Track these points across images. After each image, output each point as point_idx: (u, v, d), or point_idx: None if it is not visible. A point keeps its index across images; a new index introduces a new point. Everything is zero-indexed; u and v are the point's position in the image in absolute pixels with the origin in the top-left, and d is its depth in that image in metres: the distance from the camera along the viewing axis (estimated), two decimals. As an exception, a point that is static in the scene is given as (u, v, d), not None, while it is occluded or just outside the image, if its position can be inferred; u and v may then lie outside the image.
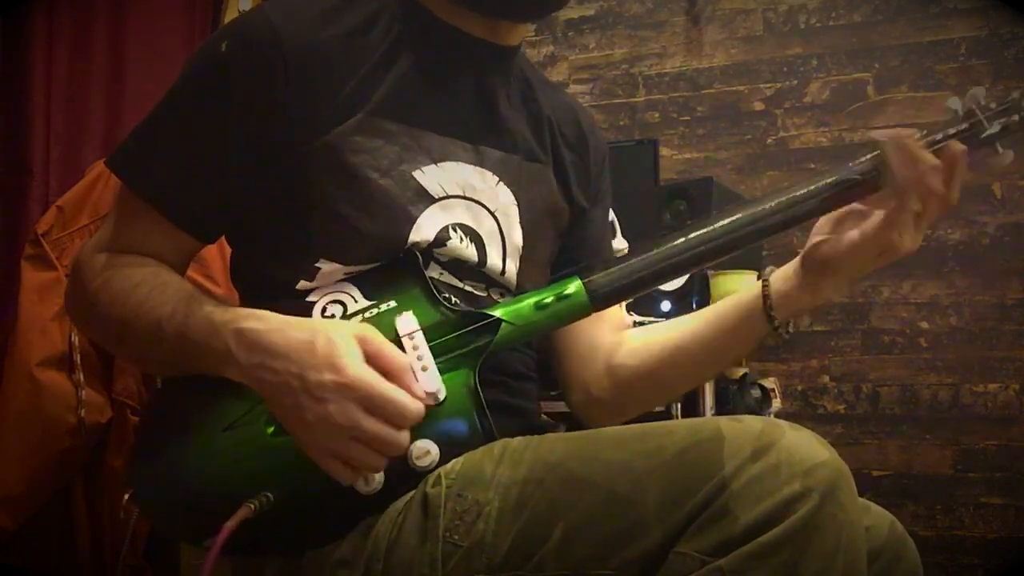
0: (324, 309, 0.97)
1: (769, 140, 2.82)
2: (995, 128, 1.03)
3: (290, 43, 0.96)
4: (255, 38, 0.97)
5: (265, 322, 0.90)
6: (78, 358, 1.89)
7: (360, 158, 0.98)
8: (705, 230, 1.03)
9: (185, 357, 0.94)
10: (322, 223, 0.98)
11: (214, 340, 0.91)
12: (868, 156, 1.02)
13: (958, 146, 1.00)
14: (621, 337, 1.20)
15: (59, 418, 1.85)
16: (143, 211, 1.01)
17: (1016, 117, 1.04)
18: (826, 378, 2.74)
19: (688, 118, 2.90)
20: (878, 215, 1.00)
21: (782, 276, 1.08)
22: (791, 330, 1.09)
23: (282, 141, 0.97)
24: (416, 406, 0.86)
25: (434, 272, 1.02)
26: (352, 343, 0.86)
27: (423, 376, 0.90)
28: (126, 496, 0.94)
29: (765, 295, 1.07)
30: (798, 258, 1.07)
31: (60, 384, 1.87)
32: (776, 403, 2.44)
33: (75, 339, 1.88)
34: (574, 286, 1.01)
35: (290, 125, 0.97)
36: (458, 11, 1.06)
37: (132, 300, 0.97)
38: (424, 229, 1.00)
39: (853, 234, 1.01)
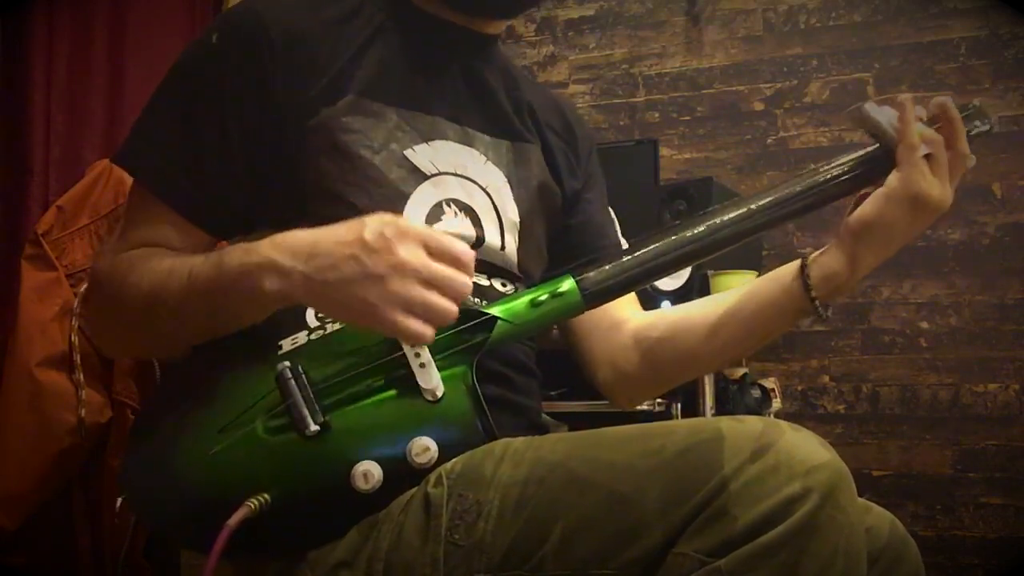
0: None
1: (769, 140, 2.82)
2: None
3: (276, 28, 1.00)
4: (242, 26, 1.01)
5: (299, 230, 0.90)
6: (78, 358, 1.88)
7: (352, 137, 1.00)
8: (698, 226, 1.04)
9: (220, 293, 0.92)
10: (318, 203, 1.00)
11: (250, 256, 0.90)
12: (859, 153, 1.05)
13: (941, 98, 1.02)
14: (642, 314, 1.21)
15: (59, 418, 1.85)
16: (154, 209, 1.02)
17: (977, 123, 1.07)
18: (826, 378, 2.73)
19: (688, 118, 2.90)
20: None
21: (821, 252, 1.07)
22: (830, 313, 1.07)
23: (276, 124, 1.00)
24: (467, 249, 0.87)
25: None
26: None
27: (421, 373, 0.91)
28: (120, 500, 0.93)
29: (803, 268, 1.06)
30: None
31: (60, 384, 1.86)
32: (776, 403, 2.44)
33: (75, 339, 1.88)
34: (567, 284, 1.02)
35: (282, 107, 0.99)
36: (436, 2, 1.10)
37: (162, 267, 0.96)
38: (417, 205, 1.02)
39: (879, 190, 1.02)
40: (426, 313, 0.86)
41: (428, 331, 0.86)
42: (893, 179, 1.01)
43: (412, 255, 0.85)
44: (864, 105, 1.03)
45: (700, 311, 1.15)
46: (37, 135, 2.10)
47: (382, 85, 1.04)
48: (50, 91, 2.13)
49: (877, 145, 1.04)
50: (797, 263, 1.07)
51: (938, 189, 1.00)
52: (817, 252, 1.07)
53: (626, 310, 1.20)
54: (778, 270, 1.10)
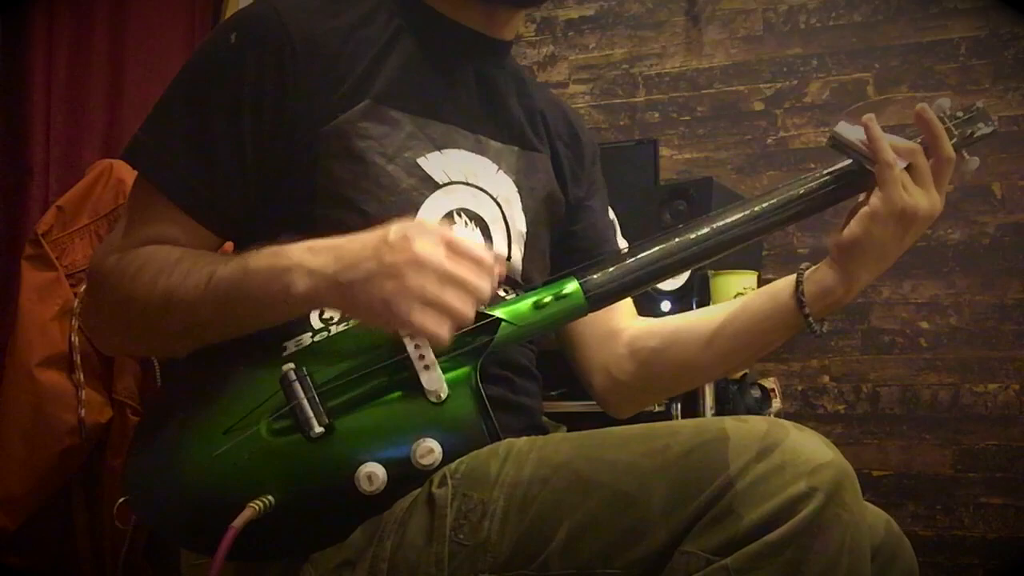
0: (322, 312, 0.97)
1: (769, 140, 2.82)
2: (961, 136, 1.07)
3: (297, 32, 0.99)
4: (264, 28, 0.99)
5: (331, 238, 0.91)
6: (78, 358, 1.88)
7: (367, 143, 1.00)
8: (701, 229, 1.05)
9: (244, 296, 0.92)
10: (328, 208, 0.99)
11: (280, 259, 0.90)
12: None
13: (921, 103, 1.02)
14: (639, 322, 1.21)
15: (59, 418, 1.84)
16: (160, 207, 1.00)
17: (981, 125, 1.08)
18: (826, 378, 2.74)
19: (688, 118, 2.90)
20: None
21: (816, 268, 1.07)
22: (824, 329, 1.07)
23: (290, 127, 0.98)
24: (490, 255, 0.88)
25: None
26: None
27: (425, 375, 0.91)
28: (120, 500, 0.92)
29: (798, 283, 1.06)
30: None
31: (60, 384, 1.86)
32: (776, 403, 2.44)
33: (75, 339, 1.88)
34: (571, 286, 1.02)
35: (298, 111, 0.98)
36: (455, 2, 1.09)
37: (178, 268, 0.95)
38: (429, 214, 1.02)
39: (864, 209, 1.02)
40: (441, 311, 0.85)
41: (443, 329, 0.85)
42: (876, 199, 1.00)
43: (430, 251, 0.85)
44: (835, 128, 1.04)
45: (696, 323, 1.15)
46: (37, 135, 2.09)
47: (398, 92, 1.03)
48: (50, 91, 2.13)
49: (850, 161, 1.04)
50: (793, 278, 1.07)
51: (924, 200, 1.00)
52: (813, 268, 1.07)
53: (623, 319, 1.20)
54: (774, 284, 1.10)
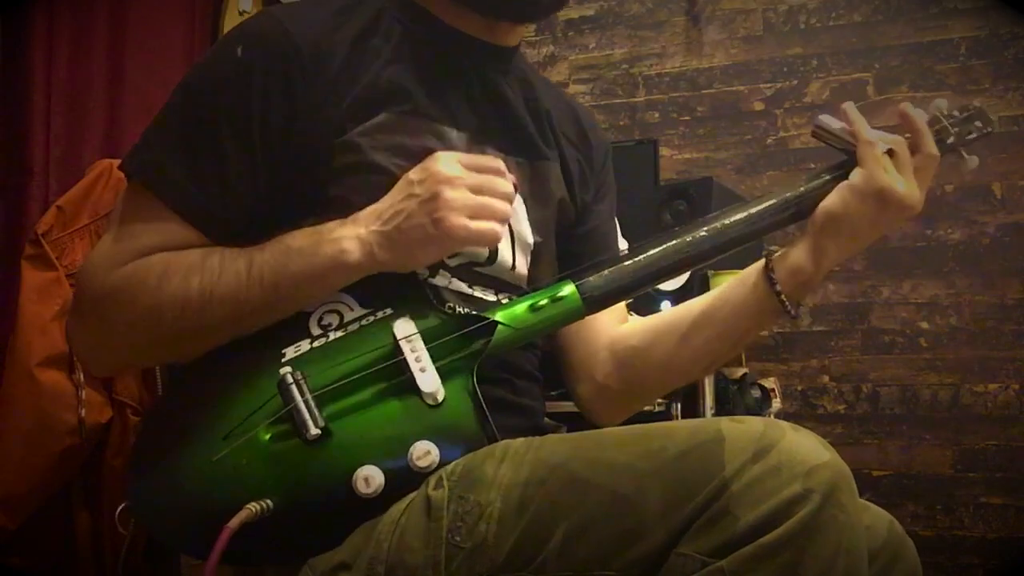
0: (321, 319, 0.97)
1: (769, 140, 2.82)
2: (959, 135, 1.10)
3: (305, 44, 0.98)
4: (271, 40, 0.98)
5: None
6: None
7: (379, 156, 0.99)
8: (698, 232, 1.05)
9: (292, 275, 0.93)
10: (340, 217, 0.97)
11: (324, 234, 0.94)
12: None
13: (902, 104, 1.06)
14: (624, 324, 1.21)
15: (59, 418, 1.84)
16: (161, 216, 0.98)
17: (979, 124, 1.11)
18: (826, 378, 2.74)
19: (688, 118, 2.90)
20: None
21: (786, 248, 1.08)
22: (799, 312, 1.07)
23: (301, 140, 0.98)
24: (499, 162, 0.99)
25: (442, 280, 1.02)
26: None
27: (422, 378, 0.91)
28: (120, 507, 0.92)
29: (768, 265, 1.06)
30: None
31: (60, 384, 1.86)
32: (776, 403, 2.44)
33: (75, 339, 1.88)
34: (568, 289, 1.02)
35: (308, 124, 0.97)
36: (457, 11, 1.08)
37: (208, 265, 0.95)
38: None
39: (842, 183, 1.04)
40: (486, 214, 0.94)
41: (496, 228, 0.94)
42: (856, 174, 1.03)
43: (453, 168, 0.94)
44: (817, 120, 1.07)
45: (674, 317, 1.15)
46: (37, 135, 2.10)
47: (406, 103, 1.02)
48: (50, 91, 2.13)
49: (845, 159, 1.06)
50: (762, 262, 1.08)
51: (903, 184, 1.02)
52: (782, 249, 1.07)
53: (607, 325, 1.19)
54: (746, 270, 1.10)
